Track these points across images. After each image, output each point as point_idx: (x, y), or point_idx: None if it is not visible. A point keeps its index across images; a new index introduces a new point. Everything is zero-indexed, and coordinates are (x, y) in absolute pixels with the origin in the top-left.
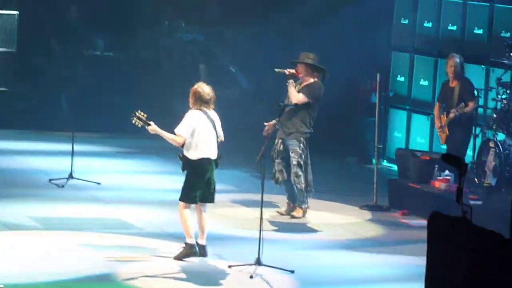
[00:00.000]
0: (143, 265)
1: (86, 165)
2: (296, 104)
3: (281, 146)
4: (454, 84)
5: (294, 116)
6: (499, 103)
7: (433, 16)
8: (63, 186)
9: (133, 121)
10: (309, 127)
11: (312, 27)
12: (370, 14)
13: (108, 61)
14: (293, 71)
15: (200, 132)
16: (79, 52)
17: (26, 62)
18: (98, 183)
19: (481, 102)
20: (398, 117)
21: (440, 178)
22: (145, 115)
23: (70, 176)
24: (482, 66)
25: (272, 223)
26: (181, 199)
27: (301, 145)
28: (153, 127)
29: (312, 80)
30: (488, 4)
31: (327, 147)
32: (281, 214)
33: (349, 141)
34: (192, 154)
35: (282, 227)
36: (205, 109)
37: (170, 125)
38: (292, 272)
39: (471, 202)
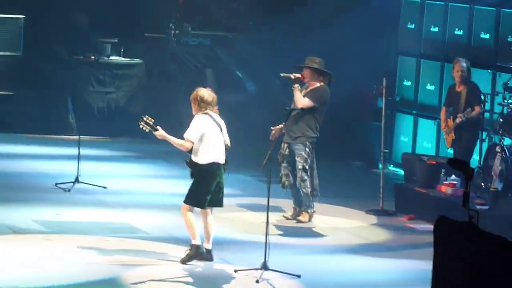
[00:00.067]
0: (150, 269)
1: (92, 169)
2: (302, 109)
3: (287, 150)
4: (460, 88)
5: (300, 120)
6: (505, 108)
7: (439, 20)
8: (69, 190)
9: (141, 126)
10: (315, 132)
11: (318, 32)
12: (376, 19)
13: (113, 66)
14: (298, 75)
15: (208, 136)
16: (85, 57)
17: (31, 66)
18: (105, 187)
19: (487, 106)
20: (405, 121)
21: (447, 182)
22: (153, 120)
23: (76, 180)
24: (489, 70)
25: (278, 227)
26: (186, 202)
27: (307, 149)
28: (160, 132)
29: (318, 84)
30: (494, 8)
31: (333, 152)
32: (287, 218)
33: (355, 146)
34: (201, 158)
35: (288, 232)
36: (210, 112)
37: (176, 130)
38: (299, 276)
39: (478, 207)
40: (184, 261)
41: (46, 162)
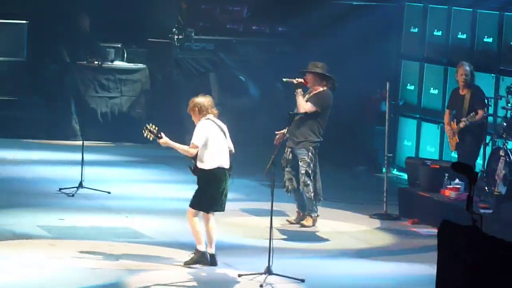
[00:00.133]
0: (154, 274)
1: (96, 174)
2: (305, 113)
3: (290, 155)
4: (464, 92)
5: (302, 125)
6: (509, 112)
7: (442, 24)
8: (73, 195)
9: (145, 134)
10: (318, 136)
11: (321, 36)
12: (380, 23)
13: (117, 71)
14: (301, 80)
15: (212, 141)
16: (88, 62)
17: (35, 72)
18: (108, 192)
19: (490, 110)
20: (408, 125)
21: (450, 186)
22: (156, 128)
23: (80, 185)
24: (492, 74)
25: (282, 232)
26: (191, 206)
27: (310, 154)
28: (164, 140)
29: (320, 89)
30: (498, 12)
31: (337, 156)
32: (291, 222)
33: (359, 150)
34: (206, 164)
35: (292, 236)
36: (212, 117)
37: (180, 135)
38: (303, 281)
39: (481, 211)
40: (187, 264)
41: (50, 167)
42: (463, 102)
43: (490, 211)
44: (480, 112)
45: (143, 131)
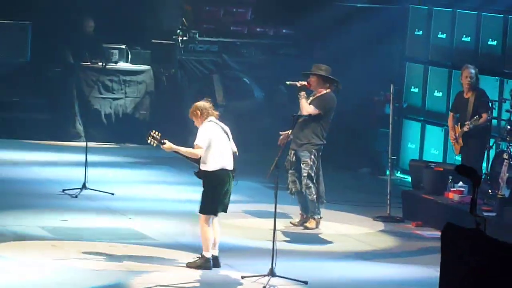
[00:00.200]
0: (157, 275)
1: (99, 176)
2: (309, 115)
3: (294, 157)
4: (468, 95)
5: (305, 127)
6: None
7: (447, 27)
8: (76, 196)
9: (149, 141)
10: (321, 139)
11: (326, 39)
12: (384, 26)
13: (121, 72)
14: (304, 83)
15: (216, 142)
16: (92, 63)
17: (39, 73)
18: (112, 194)
19: (494, 113)
20: (412, 128)
21: (454, 189)
22: (160, 134)
23: (84, 186)
24: (496, 77)
25: (285, 234)
26: (201, 212)
27: (312, 156)
28: (168, 145)
29: (324, 91)
30: (502, 15)
31: (341, 158)
32: (295, 225)
33: (362, 152)
34: (210, 165)
35: (295, 238)
36: (215, 119)
37: (184, 136)
38: (306, 283)
39: (485, 214)
40: (190, 266)
41: (54, 168)
42: (467, 105)
43: (494, 214)
44: (484, 116)
45: (147, 138)
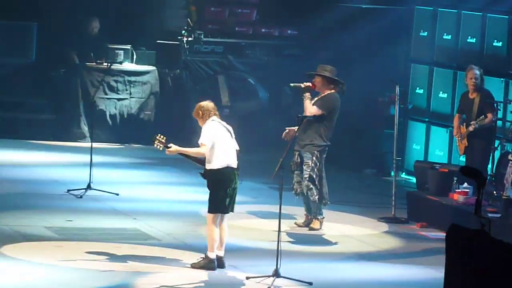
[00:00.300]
0: (162, 276)
1: (104, 176)
2: (314, 116)
3: (298, 158)
4: (473, 95)
5: (309, 128)
6: None
7: (452, 28)
8: (81, 197)
9: (155, 145)
10: (324, 140)
11: (331, 40)
12: (389, 27)
13: (126, 72)
14: (308, 84)
15: (220, 140)
16: (97, 63)
17: (44, 73)
18: (117, 194)
19: (499, 115)
20: (417, 129)
21: (459, 190)
22: (165, 138)
23: (89, 187)
24: (501, 78)
25: (290, 235)
26: (210, 212)
27: (314, 158)
28: (173, 148)
29: (328, 92)
30: (507, 16)
31: (346, 159)
32: (299, 225)
33: (367, 153)
34: (214, 164)
35: (300, 239)
36: (217, 119)
37: (188, 136)
38: (310, 284)
39: (490, 215)
40: (194, 266)
41: (58, 169)
42: (472, 106)
43: (499, 215)
44: (490, 116)
45: (153, 142)
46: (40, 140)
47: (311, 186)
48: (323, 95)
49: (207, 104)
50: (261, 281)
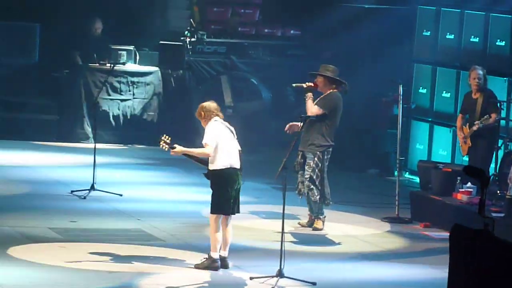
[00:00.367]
0: (166, 277)
1: (108, 177)
2: (317, 116)
3: (301, 158)
4: (477, 95)
5: (311, 128)
6: None
7: (455, 28)
8: (85, 198)
9: (160, 146)
10: (327, 140)
11: (334, 40)
12: (392, 27)
13: (129, 73)
14: (311, 84)
15: (222, 141)
16: (100, 64)
17: (47, 74)
18: (120, 195)
19: (503, 114)
20: (420, 129)
21: (462, 190)
22: (170, 138)
23: (92, 187)
24: (504, 78)
25: (293, 235)
26: (212, 212)
27: (316, 159)
28: (178, 149)
29: (329, 91)
30: (510, 16)
31: (349, 159)
32: (303, 225)
33: (371, 153)
34: (218, 164)
35: (303, 239)
36: (219, 119)
37: (191, 137)
38: (314, 284)
39: (493, 215)
40: (197, 267)
41: (62, 169)
42: (475, 106)
43: (502, 215)
44: (493, 115)
45: (159, 143)
46: (43, 141)
47: (312, 186)
48: (325, 94)
49: (209, 104)
50: (265, 281)
